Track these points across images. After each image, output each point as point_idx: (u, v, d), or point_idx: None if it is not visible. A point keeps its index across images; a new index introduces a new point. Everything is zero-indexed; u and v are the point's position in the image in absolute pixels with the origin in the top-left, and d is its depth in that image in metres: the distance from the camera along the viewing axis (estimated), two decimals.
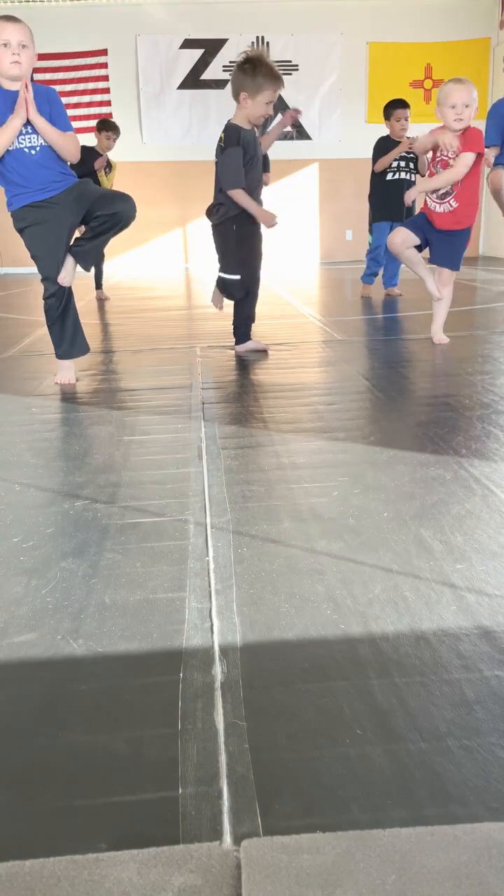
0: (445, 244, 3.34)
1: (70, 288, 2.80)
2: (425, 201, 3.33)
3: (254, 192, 3.20)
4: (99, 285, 5.92)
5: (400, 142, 4.98)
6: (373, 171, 5.17)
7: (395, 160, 5.02)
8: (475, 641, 1.06)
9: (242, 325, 3.46)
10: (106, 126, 5.73)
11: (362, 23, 9.37)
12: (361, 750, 0.85)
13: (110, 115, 9.52)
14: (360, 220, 9.54)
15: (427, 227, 3.32)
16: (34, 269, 2.77)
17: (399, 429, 2.15)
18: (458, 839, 0.71)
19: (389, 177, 5.08)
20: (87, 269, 2.79)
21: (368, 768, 0.82)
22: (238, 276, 3.30)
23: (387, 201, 5.11)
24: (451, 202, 3.25)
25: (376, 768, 0.82)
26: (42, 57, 9.24)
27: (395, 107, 5.01)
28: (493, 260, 9.25)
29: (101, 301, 5.79)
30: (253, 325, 3.51)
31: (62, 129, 2.67)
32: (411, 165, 5.07)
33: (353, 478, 1.74)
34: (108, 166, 5.85)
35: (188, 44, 9.30)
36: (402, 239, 3.32)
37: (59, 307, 2.79)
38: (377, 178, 5.16)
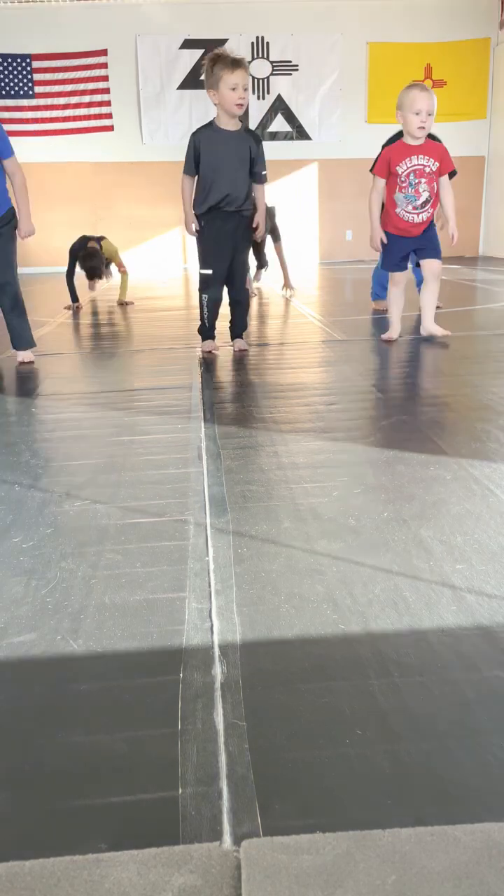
0: (428, 240, 3.50)
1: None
2: (394, 217, 3.44)
3: (212, 188, 3.25)
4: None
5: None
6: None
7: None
8: (475, 641, 1.06)
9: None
10: (90, 275, 5.42)
11: (362, 23, 9.37)
12: (361, 750, 0.85)
13: (110, 115, 9.54)
14: (359, 220, 9.55)
15: (406, 245, 3.50)
16: (32, 269, 2.85)
17: (399, 429, 2.15)
18: (458, 839, 0.71)
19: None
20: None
21: (368, 768, 0.82)
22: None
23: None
24: (429, 209, 3.42)
25: (376, 768, 0.82)
26: (42, 57, 9.25)
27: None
28: (493, 260, 9.25)
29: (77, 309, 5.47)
30: (249, 324, 3.67)
31: (6, 155, 3.06)
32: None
33: (353, 478, 1.73)
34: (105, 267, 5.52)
35: (188, 44, 9.31)
36: (404, 280, 3.59)
37: None
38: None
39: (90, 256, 5.27)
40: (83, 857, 0.71)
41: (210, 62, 3.10)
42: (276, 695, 0.95)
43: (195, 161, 3.22)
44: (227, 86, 3.07)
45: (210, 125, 3.23)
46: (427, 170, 3.32)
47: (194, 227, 3.31)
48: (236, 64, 3.06)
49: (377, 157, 3.44)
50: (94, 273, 5.36)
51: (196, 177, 3.27)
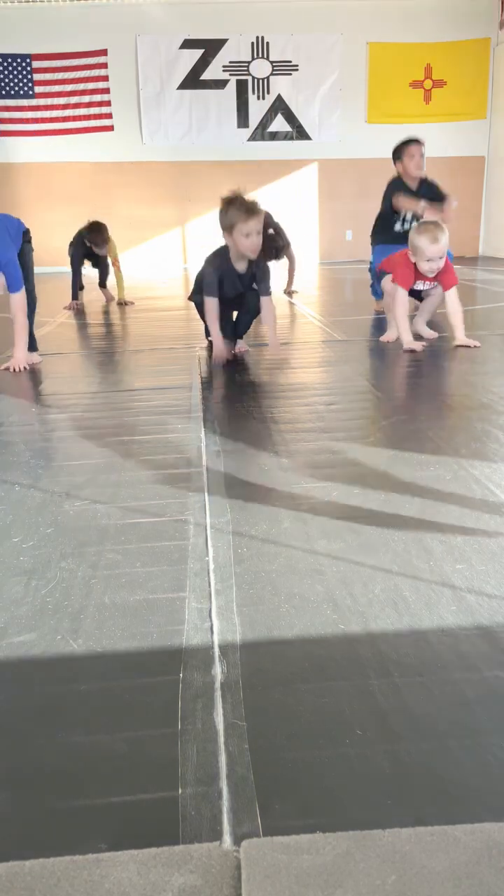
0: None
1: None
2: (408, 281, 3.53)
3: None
4: (103, 283, 5.92)
5: (411, 187, 4.61)
6: (379, 214, 4.81)
7: (407, 213, 4.63)
8: (475, 641, 1.06)
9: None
10: (91, 233, 5.51)
11: (362, 23, 9.36)
12: (361, 750, 0.85)
13: (110, 115, 9.53)
14: (359, 220, 9.54)
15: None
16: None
17: (399, 429, 2.15)
18: (458, 839, 0.71)
19: (397, 227, 4.66)
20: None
21: (368, 768, 0.82)
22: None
23: (392, 245, 4.59)
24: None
25: (376, 768, 0.82)
26: (42, 57, 9.25)
27: (406, 144, 4.59)
28: (493, 260, 9.25)
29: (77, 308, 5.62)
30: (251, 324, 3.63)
31: (13, 290, 3.11)
32: (418, 220, 4.60)
33: (353, 478, 1.73)
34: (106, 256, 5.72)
35: (188, 44, 9.30)
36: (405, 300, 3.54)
37: None
38: (383, 224, 4.76)
39: (97, 228, 5.44)
40: (83, 857, 0.71)
41: (225, 204, 3.07)
42: (276, 695, 0.95)
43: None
44: (241, 233, 3.05)
45: (225, 259, 3.19)
46: (430, 287, 3.54)
47: (228, 355, 3.27)
48: (251, 212, 3.02)
49: (396, 265, 3.48)
50: (98, 240, 5.48)
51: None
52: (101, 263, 5.80)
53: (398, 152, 4.62)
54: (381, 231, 4.85)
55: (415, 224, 4.62)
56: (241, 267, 3.21)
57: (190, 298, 3.57)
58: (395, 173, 4.69)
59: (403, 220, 4.71)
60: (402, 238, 4.70)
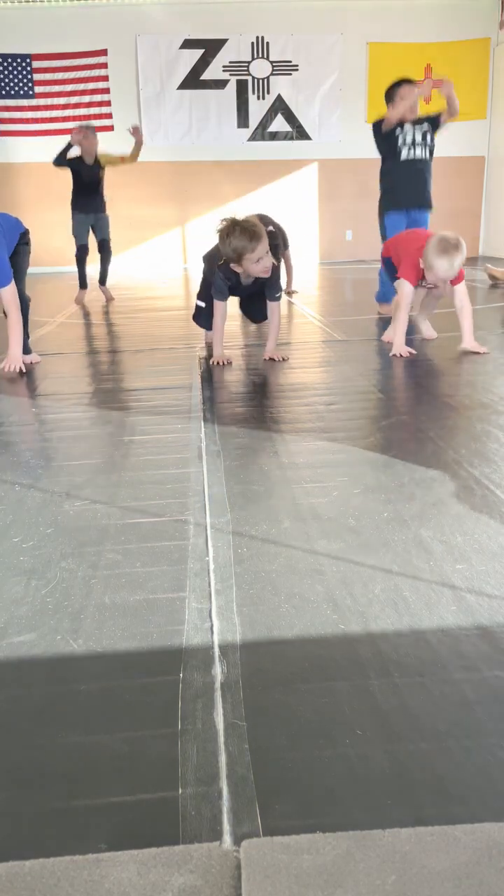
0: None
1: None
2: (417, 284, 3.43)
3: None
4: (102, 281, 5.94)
5: (405, 121, 4.21)
6: (383, 157, 4.43)
7: (411, 134, 4.24)
8: (475, 641, 1.06)
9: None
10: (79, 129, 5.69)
11: (362, 23, 9.36)
12: (361, 750, 0.85)
13: (110, 115, 9.53)
14: (359, 220, 9.54)
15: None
16: (31, 269, 2.90)
17: (399, 429, 2.15)
18: (458, 839, 0.71)
19: (404, 155, 4.29)
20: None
21: (368, 768, 0.82)
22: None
23: (401, 185, 4.32)
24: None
25: (376, 768, 0.82)
26: (42, 57, 9.25)
27: (398, 86, 4.21)
28: (493, 260, 9.24)
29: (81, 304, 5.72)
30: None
31: (2, 283, 3.08)
32: (428, 138, 4.28)
33: (353, 478, 1.73)
34: (99, 167, 5.89)
35: (188, 44, 9.29)
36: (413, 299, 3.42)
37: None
38: (388, 158, 4.38)
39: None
40: (83, 857, 0.71)
41: (224, 234, 2.98)
42: (276, 695, 0.95)
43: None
44: (250, 261, 2.99)
45: (234, 273, 3.13)
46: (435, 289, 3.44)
47: (223, 360, 3.22)
48: (255, 237, 2.94)
49: (403, 255, 3.37)
50: (84, 131, 5.75)
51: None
52: (103, 243, 5.81)
53: (390, 94, 4.24)
54: (388, 186, 4.38)
55: (428, 144, 4.26)
56: (249, 279, 3.19)
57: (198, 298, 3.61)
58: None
59: (413, 143, 4.26)
60: (409, 167, 4.25)
